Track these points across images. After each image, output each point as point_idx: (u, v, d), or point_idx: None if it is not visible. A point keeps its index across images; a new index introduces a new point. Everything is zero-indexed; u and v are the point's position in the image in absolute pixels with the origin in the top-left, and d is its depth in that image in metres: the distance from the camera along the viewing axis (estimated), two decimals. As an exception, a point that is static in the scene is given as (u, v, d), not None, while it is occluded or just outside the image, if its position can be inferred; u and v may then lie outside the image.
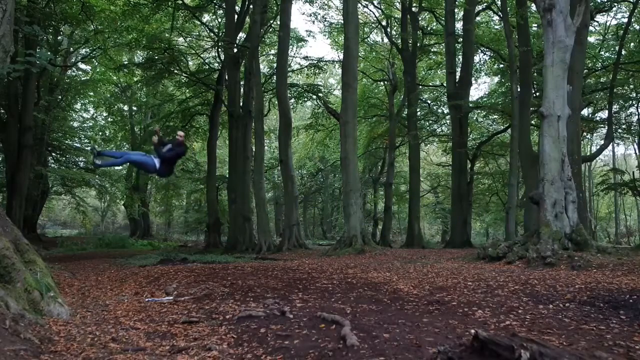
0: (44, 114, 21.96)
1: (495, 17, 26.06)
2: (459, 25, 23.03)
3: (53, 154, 26.59)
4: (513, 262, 9.83)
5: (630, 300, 5.49)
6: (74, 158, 27.48)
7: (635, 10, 20.26)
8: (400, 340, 4.04)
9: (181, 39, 27.38)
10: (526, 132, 16.98)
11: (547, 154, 10.78)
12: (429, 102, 30.04)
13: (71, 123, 29.74)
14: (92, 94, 28.46)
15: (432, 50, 27.66)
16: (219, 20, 26.42)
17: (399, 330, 4.41)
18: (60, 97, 25.69)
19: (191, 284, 7.73)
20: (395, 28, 27.95)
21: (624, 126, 25.62)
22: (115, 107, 31.67)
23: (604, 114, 25.06)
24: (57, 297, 5.27)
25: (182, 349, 4.10)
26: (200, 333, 4.67)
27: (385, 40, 29.12)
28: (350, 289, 6.97)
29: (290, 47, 23.45)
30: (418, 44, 25.24)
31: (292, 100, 25.09)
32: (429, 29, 27.47)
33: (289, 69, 23.50)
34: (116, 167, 25.08)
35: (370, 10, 28.25)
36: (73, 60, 26.92)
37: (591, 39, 22.31)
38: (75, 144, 28.11)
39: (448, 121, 28.07)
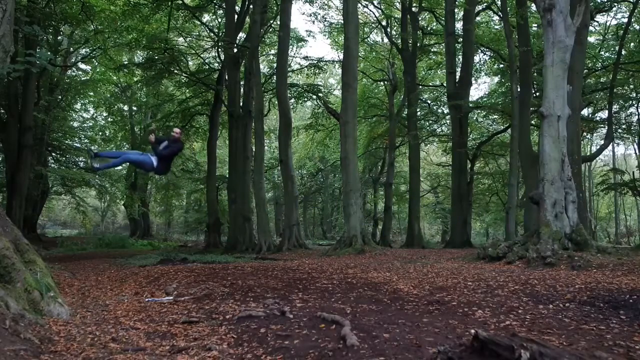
0: (44, 114, 21.96)
1: (495, 17, 26.08)
2: (459, 25, 23.03)
3: (53, 154, 26.60)
4: (513, 262, 9.83)
5: (630, 300, 5.49)
6: (74, 158, 27.49)
7: (635, 10, 20.26)
8: (400, 340, 4.04)
9: (181, 39, 27.38)
10: (526, 132, 16.98)
11: (547, 154, 10.78)
12: (429, 102, 30.04)
13: (71, 123, 29.75)
14: (92, 94, 28.46)
15: (432, 50, 27.66)
16: (219, 20, 26.42)
17: (399, 330, 4.41)
18: (60, 97, 25.69)
19: (191, 284, 7.73)
20: (395, 28, 27.95)
21: (624, 126, 25.63)
22: (115, 107, 31.67)
23: (604, 114, 25.08)
24: (57, 297, 5.27)
25: (182, 349, 4.10)
26: (200, 333, 4.67)
27: (385, 40, 29.13)
28: (350, 289, 6.97)
29: (290, 47, 23.46)
30: (418, 44, 25.24)
31: (292, 100, 25.09)
32: (429, 29, 27.47)
33: (289, 69, 23.50)
34: (116, 167, 25.10)
35: (370, 10, 28.29)
36: (73, 60, 26.92)
37: (591, 39, 22.32)
38: (75, 144, 28.10)
39: (448, 121, 28.08)
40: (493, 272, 8.55)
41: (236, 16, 22.49)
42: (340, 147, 17.36)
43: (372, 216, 32.96)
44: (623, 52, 20.21)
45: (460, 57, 22.42)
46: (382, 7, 27.47)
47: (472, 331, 3.17)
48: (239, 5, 22.99)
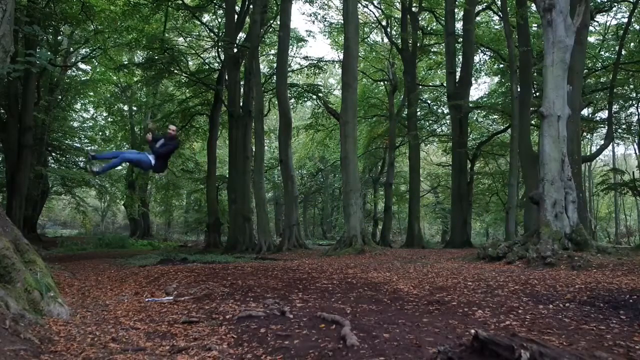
0: (44, 114, 21.96)
1: (495, 17, 26.08)
2: (459, 25, 23.03)
3: (53, 154, 26.60)
4: (513, 262, 9.83)
5: (630, 300, 5.49)
6: (74, 158, 27.49)
7: (635, 10, 20.27)
8: (400, 340, 4.04)
9: (181, 39, 27.38)
10: (526, 132, 16.98)
11: (547, 154, 10.78)
12: (429, 102, 30.05)
13: (71, 123, 29.75)
14: (92, 94, 28.47)
15: (432, 50, 27.66)
16: (219, 20, 26.42)
17: (399, 330, 4.41)
18: (60, 97, 25.69)
19: (191, 284, 7.73)
20: (395, 28, 27.95)
21: (624, 126, 25.64)
22: (115, 107, 31.67)
23: (604, 114, 25.09)
24: (57, 297, 5.27)
25: (182, 349, 4.10)
26: (200, 333, 4.67)
27: (385, 40, 29.13)
28: (350, 289, 6.97)
29: (290, 47, 23.46)
30: (418, 44, 25.24)
31: (292, 100, 25.09)
32: (429, 29, 27.47)
33: (289, 69, 23.50)
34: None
35: (370, 10, 28.28)
36: (73, 60, 26.91)
37: (591, 39, 22.32)
38: (75, 144, 28.12)
39: (448, 121, 28.09)
40: (493, 272, 8.55)
41: (236, 16, 22.48)
42: (340, 147, 17.35)
43: (372, 216, 32.96)
44: (623, 52, 20.22)
45: (460, 57, 22.42)
46: (382, 7, 27.48)
47: (472, 331, 3.17)
48: (239, 5, 22.98)
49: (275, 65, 22.84)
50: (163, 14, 22.97)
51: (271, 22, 24.15)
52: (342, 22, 19.02)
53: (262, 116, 20.67)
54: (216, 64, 26.49)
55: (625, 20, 20.47)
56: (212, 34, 26.39)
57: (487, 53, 26.71)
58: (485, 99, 27.22)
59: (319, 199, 43.88)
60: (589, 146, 32.40)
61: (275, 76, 22.43)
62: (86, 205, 31.16)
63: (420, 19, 26.09)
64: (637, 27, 22.08)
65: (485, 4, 24.54)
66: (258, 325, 4.83)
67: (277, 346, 4.10)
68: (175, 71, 23.06)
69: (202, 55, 27.83)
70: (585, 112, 23.17)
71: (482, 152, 26.75)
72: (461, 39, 22.49)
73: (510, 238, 15.00)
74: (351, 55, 16.63)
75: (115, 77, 28.81)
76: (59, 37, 23.80)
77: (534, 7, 15.34)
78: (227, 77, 22.58)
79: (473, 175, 26.00)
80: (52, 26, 20.62)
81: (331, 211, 41.96)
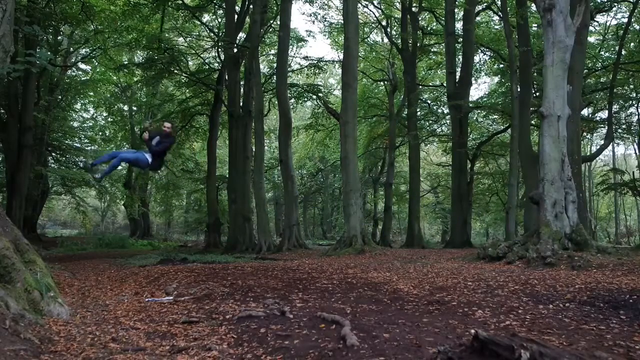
0: (44, 114, 21.96)
1: (495, 17, 26.08)
2: (459, 25, 23.03)
3: (53, 154, 26.59)
4: (513, 262, 9.83)
5: (630, 300, 5.49)
6: (74, 158, 27.49)
7: (635, 10, 20.27)
8: (400, 340, 4.04)
9: (181, 39, 27.38)
10: (526, 132, 16.98)
11: (547, 154, 10.78)
12: (429, 102, 30.05)
13: (71, 123, 29.74)
14: (92, 94, 28.46)
15: (432, 50, 27.67)
16: (219, 20, 26.42)
17: (399, 330, 4.41)
18: (60, 97, 25.69)
19: (191, 284, 7.73)
20: (395, 28, 27.95)
21: (624, 126, 25.64)
22: (115, 107, 31.66)
23: (604, 114, 25.09)
24: (57, 297, 5.27)
25: (182, 349, 4.10)
26: (200, 333, 4.67)
27: (385, 40, 29.13)
28: (350, 289, 6.97)
29: (290, 47, 23.45)
30: (418, 44, 25.24)
31: (292, 100, 25.09)
32: (429, 29, 27.47)
33: (289, 69, 23.49)
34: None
35: (370, 10, 28.28)
36: (73, 60, 26.92)
37: (591, 39, 22.32)
38: (75, 144, 28.12)
39: (448, 121, 28.09)
40: (493, 272, 8.55)
41: (236, 16, 22.48)
42: (340, 147, 17.35)
43: (372, 216, 32.96)
44: (623, 52, 20.22)
45: (460, 57, 22.42)
46: (382, 7, 27.48)
47: (472, 331, 3.17)
48: (239, 5, 22.98)
49: (275, 65, 22.85)
50: (165, 13, 22.96)
51: (271, 22, 24.15)
52: (342, 22, 19.02)
53: (262, 116, 20.66)
54: (216, 64, 26.49)
55: (625, 20, 20.48)
56: (212, 34, 26.39)
57: (487, 53, 26.71)
58: (485, 99, 27.22)
59: (319, 199, 43.88)
60: (589, 146, 32.40)
61: (275, 76, 22.43)
62: (86, 205, 31.16)
63: (420, 19, 26.09)
64: (637, 27, 22.08)
65: (485, 4, 24.54)
66: (258, 325, 4.83)
67: (277, 346, 4.10)
68: (175, 71, 23.05)
69: (202, 55, 27.83)
70: (585, 112, 23.18)
71: (482, 152, 26.75)
72: (461, 39, 22.49)
73: (510, 238, 14.99)
74: (351, 55, 16.63)
75: (115, 77, 28.81)
76: (59, 37, 23.80)
77: (534, 7, 15.34)
78: (227, 77, 22.58)
79: (473, 175, 26.00)
80: (52, 26, 20.62)
81: (331, 211, 41.97)
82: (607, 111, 22.00)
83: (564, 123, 10.95)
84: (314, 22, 73.68)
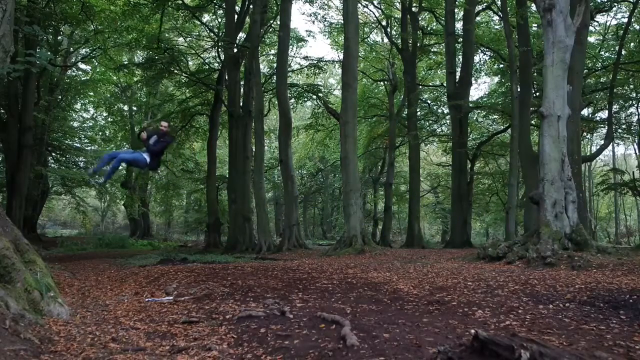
0: (44, 114, 21.96)
1: (495, 17, 26.08)
2: (459, 25, 23.03)
3: (53, 154, 26.59)
4: (513, 262, 9.83)
5: (630, 300, 5.49)
6: (74, 158, 27.48)
7: (635, 10, 20.26)
8: (400, 340, 4.04)
9: (181, 39, 27.37)
10: (526, 132, 16.98)
11: (547, 154, 10.78)
12: (429, 102, 30.05)
13: (71, 123, 29.75)
14: (92, 94, 28.47)
15: (432, 50, 27.66)
16: (219, 20, 26.41)
17: (399, 330, 4.41)
18: (60, 97, 25.69)
19: (191, 284, 7.73)
20: (395, 28, 27.95)
21: (624, 126, 25.64)
22: (115, 107, 31.68)
23: (604, 114, 25.09)
24: (57, 297, 5.27)
25: (182, 349, 4.10)
26: (200, 333, 4.67)
27: (385, 40, 29.13)
28: (350, 289, 6.97)
29: (290, 47, 23.45)
30: (418, 44, 25.24)
31: (292, 100, 25.09)
32: (429, 29, 27.47)
33: (289, 69, 23.50)
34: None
35: (370, 10, 28.28)
36: (73, 60, 26.92)
37: (591, 39, 22.32)
38: (75, 144, 28.11)
39: (448, 121, 28.09)
40: (493, 272, 8.55)
41: (236, 16, 22.48)
42: (340, 147, 17.35)
43: (372, 216, 32.96)
44: (623, 52, 20.22)
45: (460, 57, 22.41)
46: (382, 7, 27.47)
47: (472, 331, 3.17)
48: (239, 5, 22.98)
49: (275, 65, 22.85)
50: (165, 13, 22.94)
51: (271, 22, 24.15)
52: (342, 22, 19.02)
53: (262, 116, 20.67)
54: (216, 64, 26.49)
55: (625, 20, 20.48)
56: (212, 34, 26.39)
57: (487, 53, 26.71)
58: (485, 99, 27.22)
59: (319, 199, 43.88)
60: (589, 146, 32.40)
61: (275, 76, 22.43)
62: (86, 205, 31.16)
63: (420, 19, 26.09)
64: (637, 27, 22.08)
65: (485, 4, 24.54)
66: (258, 325, 4.83)
67: (277, 346, 4.10)
68: (175, 71, 23.06)
69: (202, 55, 27.83)
70: (585, 112, 23.18)
71: (482, 152, 26.75)
72: (461, 39, 22.49)
73: (510, 238, 14.99)
74: (351, 55, 16.63)
75: (115, 77, 28.81)
76: (59, 37, 23.81)
77: (534, 7, 15.35)
78: (227, 77, 22.58)
79: (473, 175, 26.00)
80: (52, 26, 20.62)
81: (331, 211, 41.97)
82: (607, 111, 22.00)
83: (564, 123, 10.95)
84: (314, 22, 73.79)
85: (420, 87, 28.11)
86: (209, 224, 23.65)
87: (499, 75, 26.46)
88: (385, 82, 29.39)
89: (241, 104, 21.96)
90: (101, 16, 20.46)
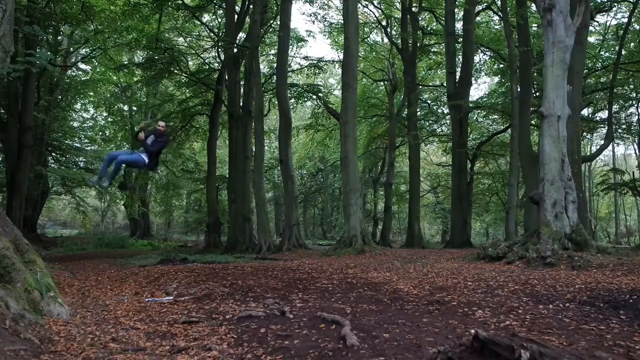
0: (44, 114, 21.96)
1: (495, 17, 26.08)
2: (459, 25, 23.03)
3: (53, 154, 26.60)
4: (513, 262, 9.83)
5: (630, 300, 5.49)
6: (74, 158, 27.49)
7: (635, 10, 20.26)
8: (400, 340, 4.04)
9: (181, 39, 27.37)
10: (526, 132, 16.98)
11: (547, 154, 10.78)
12: (429, 102, 30.05)
13: (71, 123, 29.76)
14: (92, 94, 28.47)
15: (432, 50, 27.66)
16: (219, 20, 26.41)
17: (399, 330, 4.41)
18: (60, 97, 25.69)
19: (191, 284, 7.73)
20: (395, 28, 27.95)
21: (624, 126, 25.64)
22: (115, 107, 31.68)
23: (604, 114, 25.09)
24: (57, 297, 5.27)
25: (182, 349, 4.10)
26: (200, 333, 4.67)
27: (385, 40, 29.13)
28: (350, 289, 6.97)
29: (290, 47, 23.46)
30: (418, 44, 25.24)
31: (292, 100, 25.09)
32: (429, 29, 27.47)
33: (289, 69, 23.49)
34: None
35: (370, 10, 28.28)
36: (73, 60, 26.92)
37: (591, 39, 22.32)
38: (75, 144, 28.12)
39: (448, 121, 28.09)
40: (493, 272, 8.55)
41: (236, 16, 22.48)
42: (340, 147, 17.35)
43: (372, 216, 32.96)
44: (623, 52, 20.21)
45: (460, 57, 22.41)
46: (382, 7, 27.47)
47: (472, 331, 3.17)
48: (239, 5, 22.98)
49: (275, 65, 22.84)
50: (164, 13, 22.93)
51: (271, 22, 24.15)
52: (342, 22, 19.02)
53: (262, 116, 20.67)
54: (216, 64, 26.49)
55: (625, 20, 20.48)
56: (212, 34, 26.39)
57: (487, 53, 26.71)
58: (485, 99, 27.22)
59: (319, 199, 43.88)
60: (589, 146, 32.40)
61: (275, 76, 22.43)
62: (86, 205, 31.17)
63: (420, 19, 26.09)
64: (637, 27, 22.08)
65: (485, 4, 24.54)
66: (258, 325, 4.83)
67: (277, 346, 4.10)
68: (175, 71, 23.05)
69: (202, 55, 27.83)
70: (585, 112, 23.17)
71: (482, 152, 26.75)
72: (461, 39, 22.49)
73: (510, 238, 14.99)
74: (351, 55, 16.63)
75: (115, 77, 28.81)
76: (59, 37, 23.80)
77: (534, 7, 15.34)
78: (227, 77, 22.58)
79: (473, 175, 26.00)
80: (52, 26, 20.62)
81: (331, 211, 41.96)
82: (607, 111, 22.00)
83: (564, 123, 10.95)
84: (314, 22, 73.76)
85: (420, 87, 28.11)
86: (209, 224, 23.65)
87: (499, 75, 26.47)
88: (385, 82, 29.39)
89: (241, 104, 21.96)
90: (101, 16, 20.46)
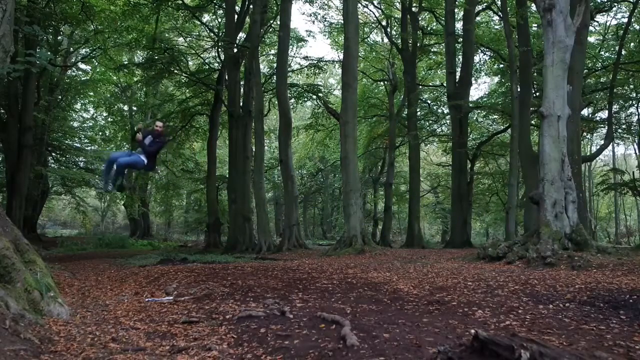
0: (44, 114, 21.96)
1: (495, 17, 26.08)
2: (459, 25, 23.03)
3: (53, 154, 26.59)
4: (513, 262, 9.82)
5: (630, 300, 5.49)
6: (74, 158, 27.49)
7: (635, 10, 20.26)
8: (400, 340, 4.04)
9: (181, 39, 27.37)
10: (526, 132, 16.97)
11: (547, 154, 10.78)
12: (429, 102, 30.05)
13: (71, 123, 29.76)
14: (92, 94, 28.47)
15: (432, 50, 27.67)
16: (219, 20, 26.42)
17: (399, 330, 4.41)
18: (60, 97, 25.69)
19: (191, 284, 7.73)
20: (395, 28, 27.95)
21: (624, 126, 25.64)
22: (115, 107, 31.67)
23: (604, 114, 25.09)
24: (57, 297, 5.27)
25: (182, 349, 4.10)
26: (200, 333, 4.67)
27: (385, 40, 29.13)
28: (350, 289, 6.97)
29: (290, 47, 23.45)
30: (418, 44, 25.24)
31: (292, 100, 25.09)
32: (429, 29, 27.47)
33: (289, 69, 23.50)
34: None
35: (370, 10, 28.28)
36: (73, 60, 26.92)
37: (591, 39, 22.32)
38: (75, 144, 28.12)
39: (448, 121, 28.09)
40: (493, 272, 8.55)
41: (236, 16, 22.48)
42: (340, 147, 17.35)
43: (372, 216, 32.96)
44: (623, 52, 20.21)
45: (460, 57, 22.41)
46: (382, 7, 27.47)
47: (472, 331, 3.17)
48: (239, 5, 22.98)
49: (275, 65, 22.85)
50: (164, 13, 22.93)
51: (271, 22, 24.15)
52: (342, 22, 19.02)
53: (262, 116, 20.67)
54: (216, 64, 26.49)
55: (625, 20, 20.48)
56: (212, 34, 26.39)
57: (487, 53, 26.71)
58: (485, 99, 27.22)
59: (319, 199, 43.88)
60: (589, 146, 32.40)
61: (275, 76, 22.42)
62: (86, 205, 31.16)
63: (420, 19, 26.09)
64: (637, 27, 22.08)
65: (485, 4, 24.54)
66: (258, 325, 4.83)
67: (277, 346, 4.10)
68: (175, 71, 23.05)
69: (202, 55, 27.83)
70: (585, 112, 23.17)
71: (482, 152, 26.75)
72: (461, 39, 22.49)
73: (510, 238, 14.99)
74: (351, 55, 16.63)
75: (115, 77, 28.81)
76: (59, 37, 23.80)
77: (534, 7, 15.34)
78: (227, 77, 22.58)
79: (473, 175, 26.01)
80: (52, 26, 20.61)
81: (331, 211, 41.97)
82: (607, 111, 22.00)
83: (564, 123, 10.95)
84: (314, 22, 73.72)
85: (420, 87, 28.11)
86: (209, 224, 23.65)
87: (499, 75, 26.47)
88: (385, 82, 29.39)
89: (241, 104, 21.96)
90: (101, 16, 20.46)
